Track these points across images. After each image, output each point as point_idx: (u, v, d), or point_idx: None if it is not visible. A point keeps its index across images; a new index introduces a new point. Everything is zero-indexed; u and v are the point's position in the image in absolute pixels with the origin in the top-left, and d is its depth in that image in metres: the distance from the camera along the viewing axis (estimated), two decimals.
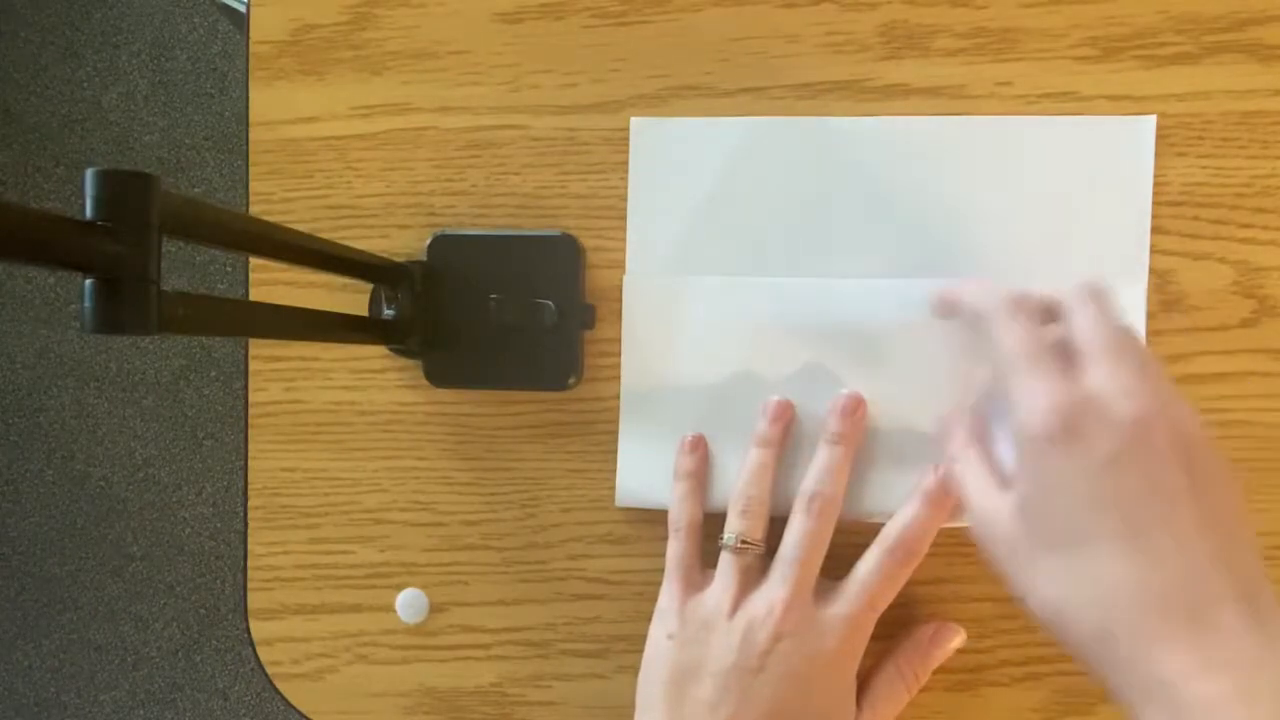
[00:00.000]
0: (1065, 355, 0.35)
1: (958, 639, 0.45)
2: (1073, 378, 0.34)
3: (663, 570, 0.45)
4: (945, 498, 0.43)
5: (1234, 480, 0.34)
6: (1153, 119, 0.43)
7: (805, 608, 0.41)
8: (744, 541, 0.43)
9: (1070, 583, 0.33)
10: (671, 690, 0.42)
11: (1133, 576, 0.32)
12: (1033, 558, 0.34)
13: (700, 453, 0.46)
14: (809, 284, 0.45)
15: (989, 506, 0.36)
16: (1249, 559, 0.32)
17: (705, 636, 0.42)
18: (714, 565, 0.43)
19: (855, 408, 0.44)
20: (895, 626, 0.46)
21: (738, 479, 0.44)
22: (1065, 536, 0.33)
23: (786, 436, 0.45)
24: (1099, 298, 0.36)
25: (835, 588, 0.42)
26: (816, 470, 0.43)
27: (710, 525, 0.45)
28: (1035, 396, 0.34)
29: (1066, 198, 0.44)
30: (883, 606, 0.42)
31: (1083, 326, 0.35)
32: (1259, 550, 0.33)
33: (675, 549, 0.44)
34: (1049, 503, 0.34)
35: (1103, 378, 0.33)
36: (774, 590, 0.41)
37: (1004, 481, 0.37)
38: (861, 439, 0.44)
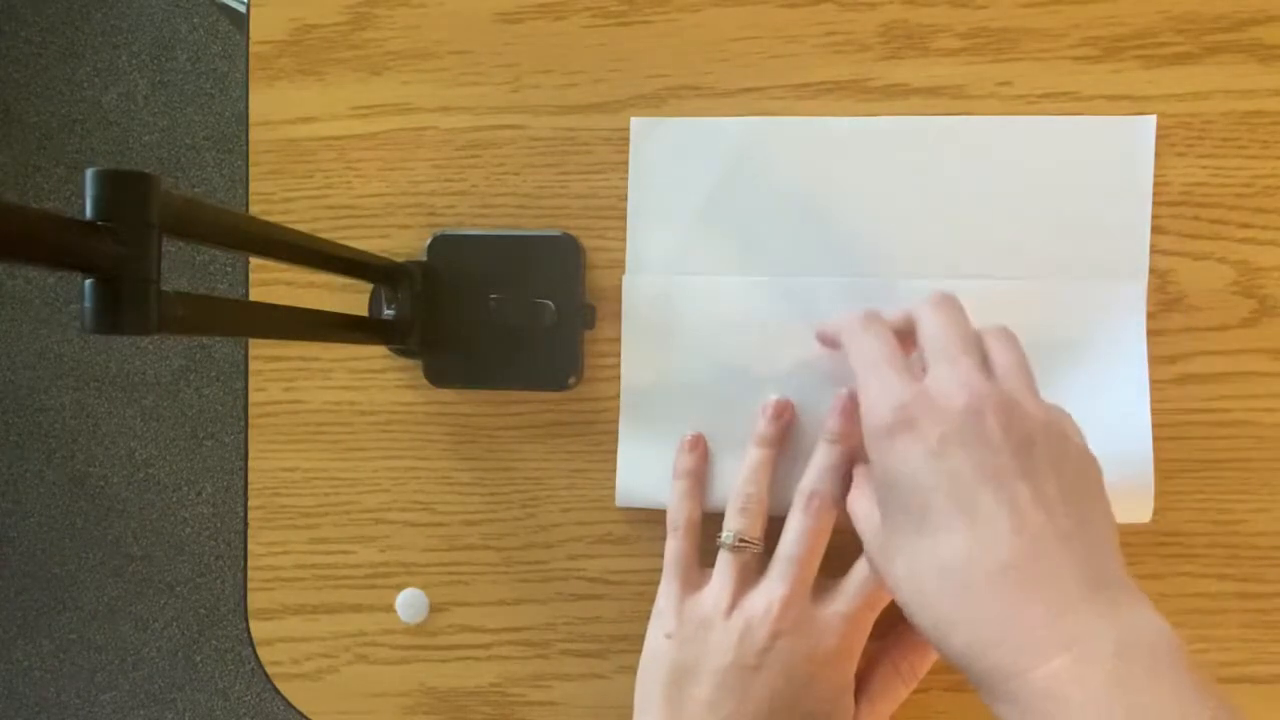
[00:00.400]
0: (915, 365, 0.37)
1: None
2: (914, 378, 0.36)
3: (655, 570, 0.45)
4: None
5: (1089, 467, 0.35)
6: (1153, 119, 0.44)
7: (803, 606, 0.41)
8: (742, 540, 0.43)
9: (916, 567, 0.34)
10: (670, 690, 0.42)
11: (966, 553, 0.33)
12: (889, 547, 0.36)
13: (699, 452, 0.46)
14: (809, 283, 0.45)
15: (864, 512, 0.39)
16: (1092, 535, 0.33)
17: (703, 635, 0.42)
18: (713, 564, 0.43)
19: (855, 408, 0.44)
20: (897, 625, 0.46)
21: (737, 478, 0.44)
22: (912, 524, 0.35)
23: (786, 436, 0.45)
24: (945, 304, 0.38)
25: (834, 586, 0.42)
26: (815, 469, 0.43)
27: (709, 524, 0.45)
28: (875, 396, 0.36)
29: (1067, 198, 0.44)
30: (882, 605, 0.42)
31: (926, 332, 0.37)
32: (1112, 530, 0.34)
33: (673, 548, 0.44)
34: (893, 492, 0.35)
35: (939, 374, 0.36)
36: (772, 588, 0.41)
37: None
38: (860, 438, 0.44)
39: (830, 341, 0.43)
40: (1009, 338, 0.38)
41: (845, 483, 0.43)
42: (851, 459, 0.44)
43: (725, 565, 0.43)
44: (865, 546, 0.39)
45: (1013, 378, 0.36)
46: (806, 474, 0.43)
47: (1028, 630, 0.31)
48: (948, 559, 0.33)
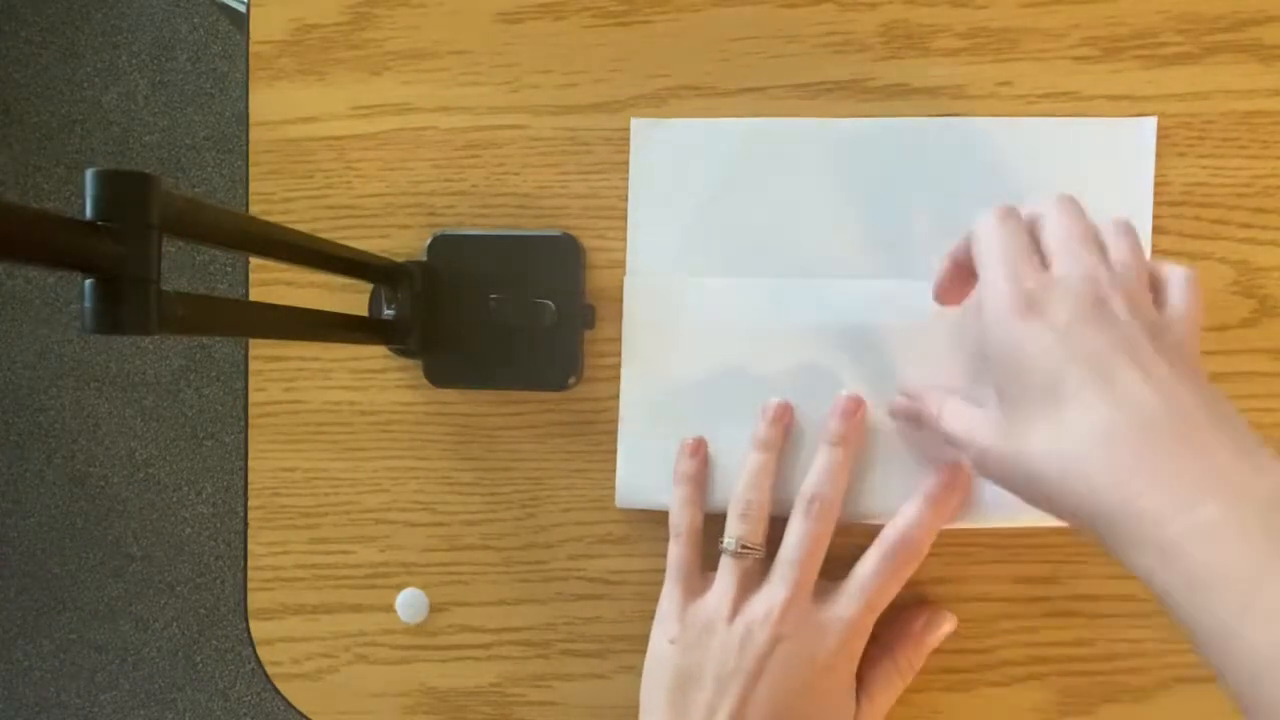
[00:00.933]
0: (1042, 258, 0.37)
1: (949, 625, 0.45)
2: (1038, 267, 0.36)
3: (662, 570, 0.45)
4: (946, 499, 0.43)
5: (1198, 345, 0.35)
6: (1154, 120, 0.43)
7: (804, 609, 0.41)
8: (744, 546, 0.43)
9: (1056, 439, 0.33)
10: (674, 695, 0.42)
11: (1109, 416, 0.32)
12: (1019, 430, 0.35)
13: (701, 456, 0.46)
14: (809, 285, 0.45)
15: (974, 422, 0.37)
16: (1227, 409, 0.33)
17: (706, 640, 0.42)
18: (715, 568, 0.43)
19: (855, 409, 0.44)
20: (889, 623, 0.45)
21: (737, 482, 0.44)
22: (1041, 399, 0.34)
23: (786, 438, 0.45)
24: (1067, 204, 0.38)
25: (835, 589, 0.42)
26: (816, 472, 0.43)
27: (711, 527, 0.45)
28: (1000, 281, 0.35)
29: None
30: (882, 607, 0.42)
31: (1049, 228, 0.37)
32: (1233, 406, 0.33)
33: (676, 553, 0.44)
34: (1019, 373, 0.35)
35: (1064, 263, 0.35)
36: (773, 593, 0.41)
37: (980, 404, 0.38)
38: (861, 441, 0.44)
39: (954, 273, 0.41)
40: (1128, 232, 0.38)
41: (846, 485, 0.43)
42: (852, 461, 0.44)
43: (727, 571, 0.43)
44: (977, 448, 0.36)
45: (1131, 273, 0.36)
46: (808, 477, 0.43)
47: (1176, 477, 0.30)
48: (1094, 421, 0.32)
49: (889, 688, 0.44)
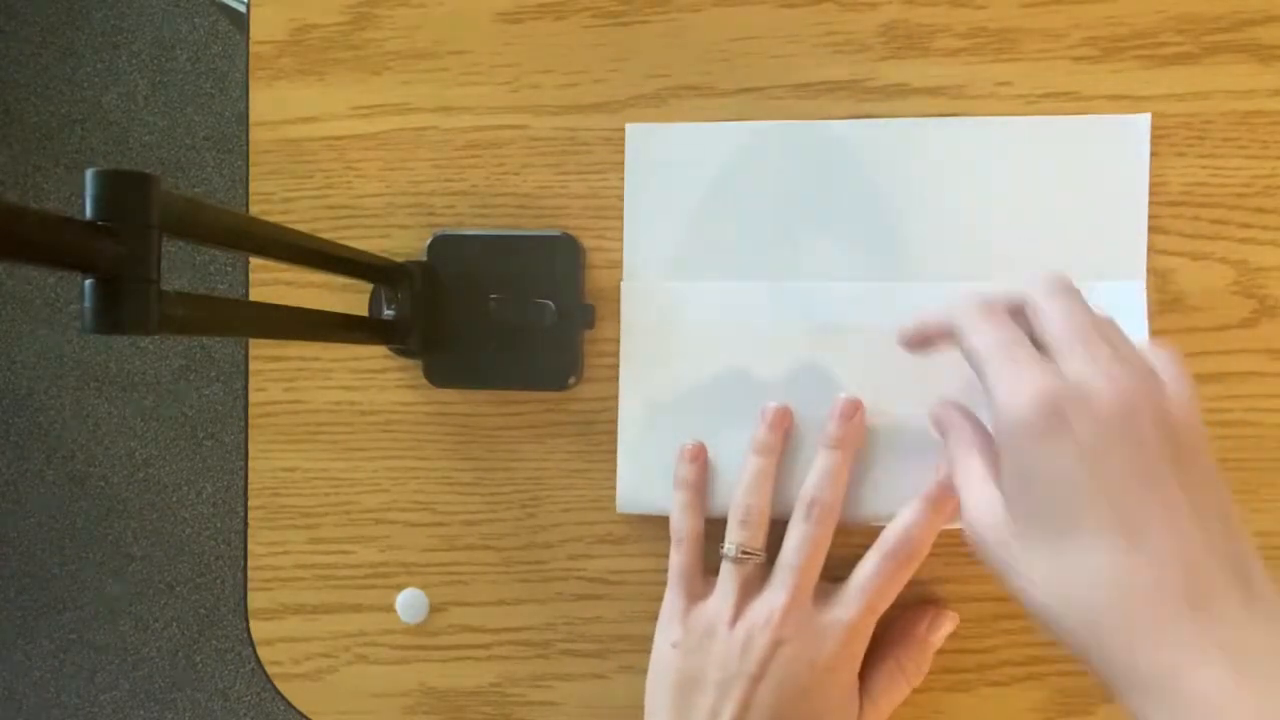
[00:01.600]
0: (1038, 349, 0.35)
1: (950, 624, 0.45)
2: (1050, 367, 0.34)
3: (663, 570, 0.45)
4: (945, 501, 0.43)
5: (1213, 454, 0.34)
6: (1147, 117, 0.43)
7: (804, 613, 0.41)
8: (744, 551, 0.43)
9: (1062, 574, 0.32)
10: (677, 698, 0.42)
11: (1125, 566, 0.31)
12: (1024, 551, 0.33)
13: (700, 462, 0.46)
14: (807, 288, 0.45)
15: (982, 498, 0.35)
16: (1238, 539, 0.32)
17: (708, 645, 0.42)
18: (717, 572, 0.43)
19: (854, 412, 0.44)
20: (891, 624, 0.45)
21: (737, 487, 0.44)
22: (1054, 528, 0.32)
23: (786, 443, 0.45)
24: (1064, 288, 0.36)
25: (835, 591, 0.42)
26: (815, 475, 0.43)
27: (713, 530, 0.45)
28: (1015, 386, 0.33)
29: (1064, 198, 0.44)
30: (882, 609, 0.42)
31: (1053, 318, 0.35)
32: (1245, 525, 0.32)
33: (677, 560, 0.44)
34: (1036, 494, 0.33)
35: (1080, 364, 0.33)
36: (774, 597, 0.42)
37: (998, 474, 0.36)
38: (860, 443, 0.44)
39: (922, 340, 0.39)
40: (1115, 326, 0.36)
41: (845, 488, 0.43)
42: (852, 464, 0.44)
43: (728, 576, 0.43)
44: (977, 536, 0.35)
45: (1145, 364, 0.34)
46: (807, 480, 0.43)
47: (1184, 634, 0.30)
48: (1104, 568, 0.31)
49: (892, 689, 0.44)
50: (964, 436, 0.38)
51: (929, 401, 0.44)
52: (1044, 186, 0.44)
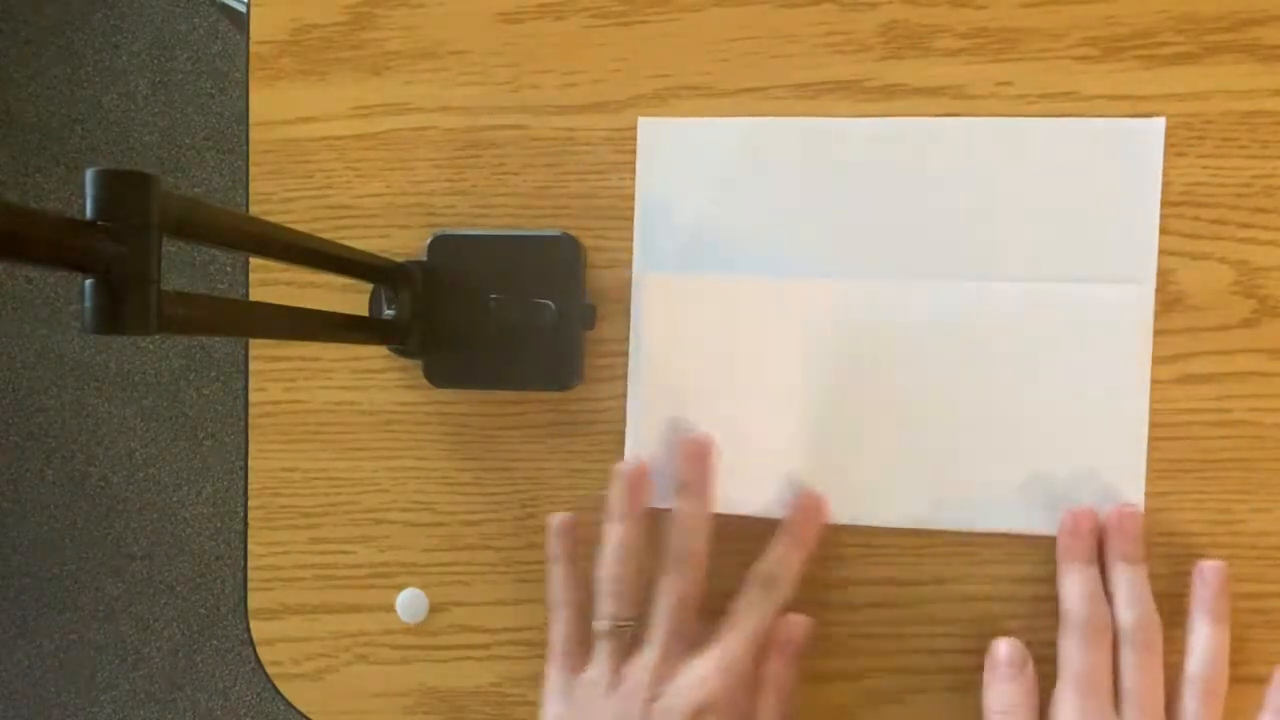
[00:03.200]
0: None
1: (798, 628, 0.44)
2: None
3: (662, 570, 0.45)
4: (806, 530, 0.44)
5: None
6: (1161, 121, 0.43)
7: (675, 665, 0.42)
8: (617, 624, 0.43)
9: None
10: None
11: None
12: None
13: (570, 537, 0.46)
14: (815, 284, 0.45)
15: None
16: None
17: (589, 714, 0.42)
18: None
19: (816, 507, 0.45)
20: (897, 625, 0.46)
21: (603, 557, 0.44)
22: None
23: (646, 504, 0.45)
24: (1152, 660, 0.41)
25: (710, 631, 0.43)
26: (677, 528, 0.44)
27: (723, 528, 0.45)
28: None
29: (1074, 200, 0.44)
30: (757, 640, 0.42)
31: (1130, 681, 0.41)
32: None
33: (558, 630, 0.45)
34: None
35: None
36: (646, 656, 0.42)
37: None
38: (815, 539, 0.45)
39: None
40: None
41: (708, 538, 0.44)
42: (710, 516, 0.44)
43: (603, 646, 0.43)
44: None
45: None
46: (671, 534, 0.44)
47: None
48: None
49: (769, 710, 0.43)
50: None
51: (933, 402, 0.44)
52: (1055, 188, 0.44)
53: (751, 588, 0.43)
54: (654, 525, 0.45)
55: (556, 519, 0.46)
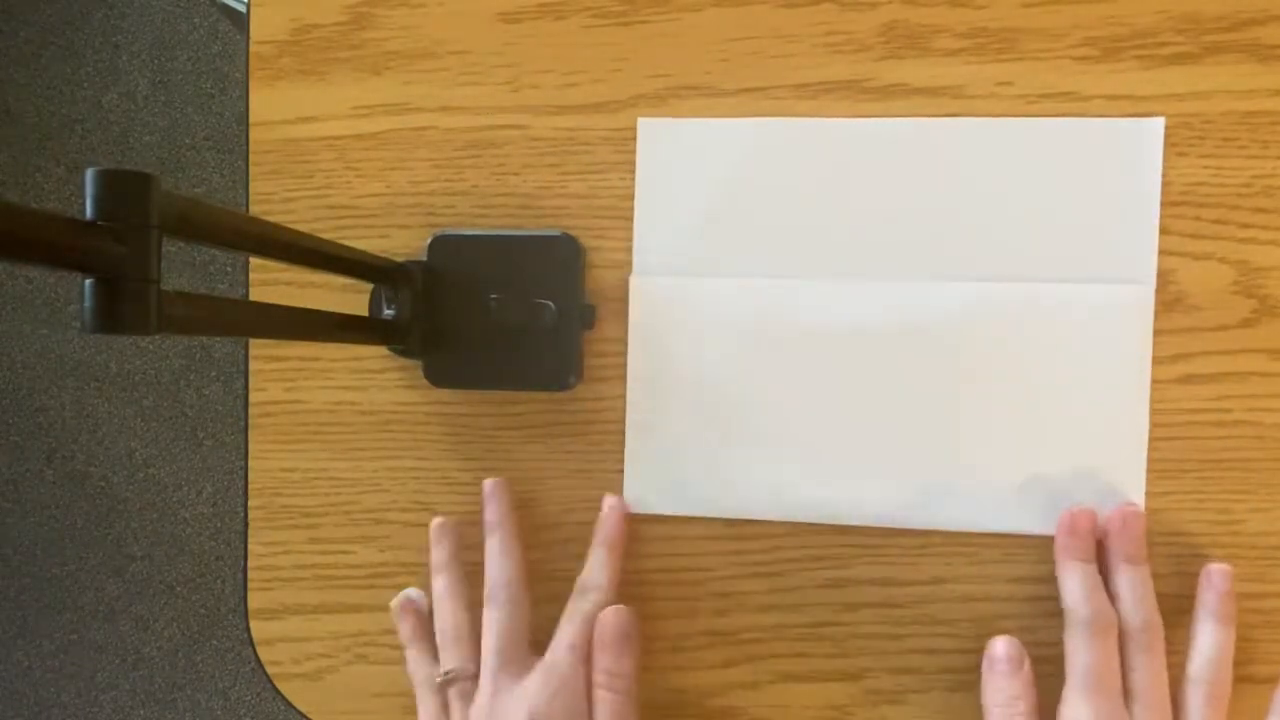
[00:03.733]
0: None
1: (619, 618, 0.44)
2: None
3: (663, 569, 0.45)
4: (616, 538, 0.45)
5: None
6: (1161, 121, 0.43)
7: (509, 690, 0.43)
8: (447, 675, 0.44)
9: None
10: None
11: None
12: None
13: (413, 614, 0.47)
14: (814, 286, 0.45)
15: None
16: None
17: None
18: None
19: (616, 508, 0.46)
20: (897, 625, 0.46)
21: (435, 612, 0.46)
22: None
23: (458, 555, 0.47)
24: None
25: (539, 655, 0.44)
26: (492, 561, 0.45)
27: (729, 531, 0.45)
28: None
29: (1073, 200, 0.44)
30: (580, 649, 0.43)
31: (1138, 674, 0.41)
32: None
33: (424, 711, 0.45)
34: None
35: None
36: (480, 697, 0.43)
37: None
38: (622, 539, 0.46)
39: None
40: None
41: (521, 567, 0.46)
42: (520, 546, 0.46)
43: (452, 699, 0.44)
44: None
45: None
46: (489, 569, 0.45)
47: None
48: None
49: (605, 706, 0.43)
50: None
51: (932, 402, 0.44)
52: (1055, 189, 0.44)
53: (571, 600, 0.45)
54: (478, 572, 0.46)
55: (398, 602, 0.48)
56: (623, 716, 0.43)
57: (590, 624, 0.44)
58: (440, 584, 0.46)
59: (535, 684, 0.43)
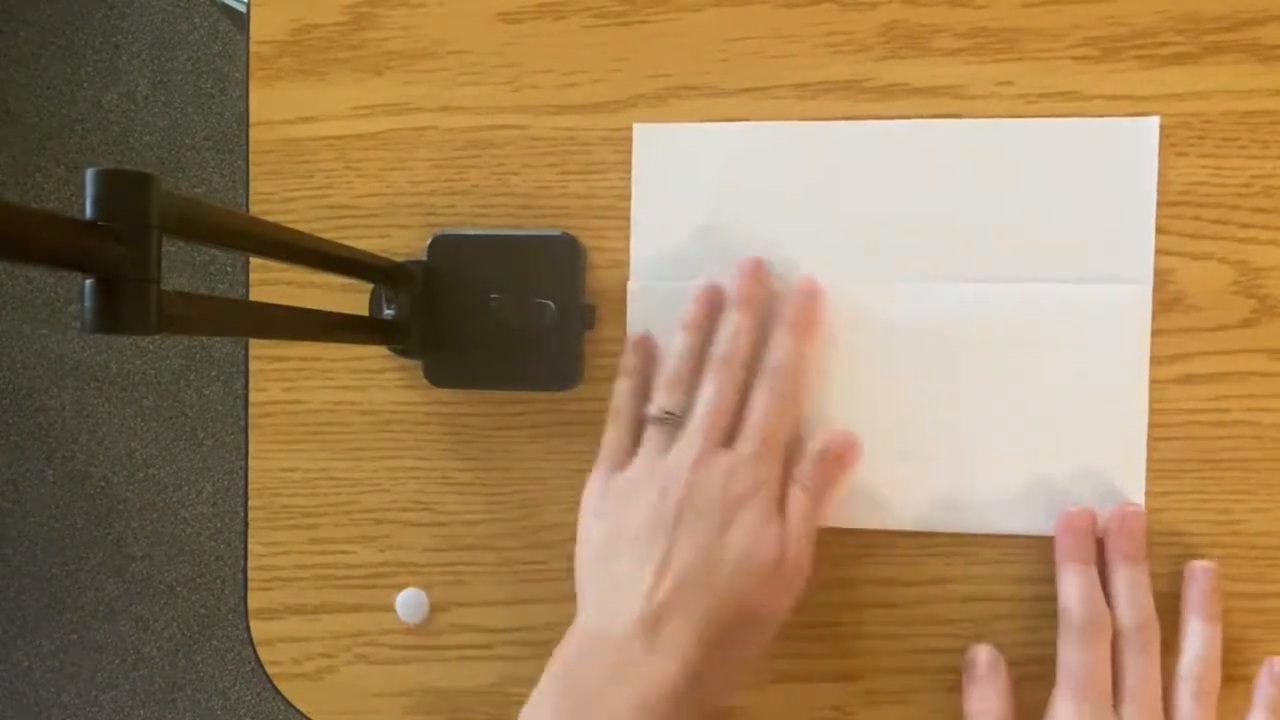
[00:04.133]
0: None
1: (854, 450, 0.45)
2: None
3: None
4: (808, 321, 0.44)
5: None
6: (1156, 120, 0.43)
7: (712, 456, 0.42)
8: (665, 411, 0.43)
9: None
10: (597, 566, 0.42)
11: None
12: None
13: (644, 352, 0.46)
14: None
15: None
16: None
17: (628, 503, 0.42)
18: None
19: (812, 291, 0.45)
20: (897, 625, 0.46)
21: (665, 359, 0.45)
22: None
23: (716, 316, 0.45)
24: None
25: (735, 436, 0.43)
26: (722, 338, 0.44)
27: None
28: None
29: (1070, 200, 0.44)
30: (780, 439, 0.43)
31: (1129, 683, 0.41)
32: None
33: (611, 436, 0.45)
34: None
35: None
36: (685, 446, 0.42)
37: None
38: (816, 331, 0.45)
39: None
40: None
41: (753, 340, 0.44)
42: (757, 321, 0.44)
43: (649, 439, 0.43)
44: None
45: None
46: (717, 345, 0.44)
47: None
48: None
49: (798, 507, 0.43)
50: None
51: (933, 400, 0.44)
52: (1051, 188, 0.44)
53: (760, 379, 0.43)
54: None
55: (635, 334, 0.46)
56: (811, 519, 0.43)
57: (783, 408, 0.43)
58: (684, 339, 0.45)
59: (737, 464, 0.42)
